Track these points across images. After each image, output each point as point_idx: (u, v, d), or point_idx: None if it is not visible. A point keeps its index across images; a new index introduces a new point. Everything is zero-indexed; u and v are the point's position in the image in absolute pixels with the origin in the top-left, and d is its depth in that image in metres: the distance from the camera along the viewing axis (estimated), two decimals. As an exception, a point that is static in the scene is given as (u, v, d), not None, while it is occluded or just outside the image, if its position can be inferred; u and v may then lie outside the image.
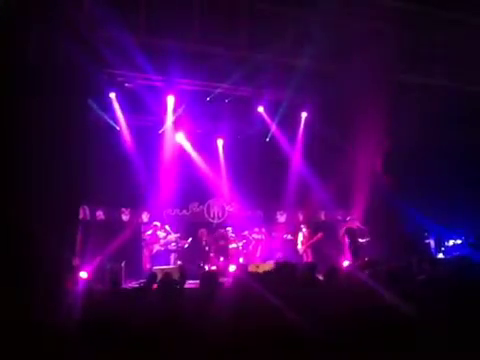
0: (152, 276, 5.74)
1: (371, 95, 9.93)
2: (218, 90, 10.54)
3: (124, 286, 8.35)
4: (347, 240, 10.71)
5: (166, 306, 3.66)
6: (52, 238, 6.38)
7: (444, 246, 11.31)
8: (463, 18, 9.14)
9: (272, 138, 12.28)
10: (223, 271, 10.35)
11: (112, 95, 10.52)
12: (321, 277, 4.92)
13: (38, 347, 3.11)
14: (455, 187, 10.86)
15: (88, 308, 4.06)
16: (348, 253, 10.55)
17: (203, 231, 11.30)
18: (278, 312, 3.29)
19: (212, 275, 4.70)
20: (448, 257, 10.48)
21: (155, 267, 10.21)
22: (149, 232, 11.01)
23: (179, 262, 10.61)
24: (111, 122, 10.91)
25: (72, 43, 7.58)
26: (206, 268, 10.62)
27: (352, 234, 10.62)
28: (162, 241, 10.97)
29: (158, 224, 11.10)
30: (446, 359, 2.89)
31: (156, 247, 10.86)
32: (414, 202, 10.31)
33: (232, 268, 10.45)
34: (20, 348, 3.06)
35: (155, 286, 4.84)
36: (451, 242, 11.27)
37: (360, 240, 10.58)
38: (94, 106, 9.96)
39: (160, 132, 11.49)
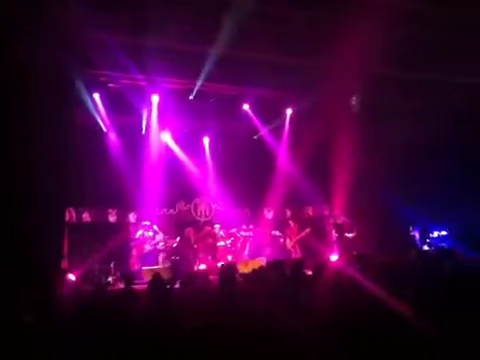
0: (128, 278, 5.74)
1: (356, 90, 10.03)
2: (202, 88, 10.52)
3: (113, 288, 8.31)
4: (335, 234, 10.81)
5: (158, 306, 3.66)
6: (39, 241, 6.33)
7: (429, 238, 11.45)
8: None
9: (258, 135, 12.32)
10: (212, 269, 10.38)
11: (96, 95, 10.42)
12: (309, 273, 4.96)
13: (27, 348, 3.11)
14: (440, 178, 10.98)
15: (77, 310, 4.05)
16: (336, 248, 10.65)
17: (190, 230, 11.27)
18: (270, 311, 3.31)
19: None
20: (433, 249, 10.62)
21: (144, 267, 10.20)
22: (140, 232, 10.97)
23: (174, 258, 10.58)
24: (96, 122, 10.80)
25: (56, 43, 7.50)
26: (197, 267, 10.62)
27: (339, 229, 10.70)
28: (152, 241, 10.95)
29: (148, 223, 11.07)
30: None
31: (146, 247, 10.84)
32: (399, 194, 10.40)
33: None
34: (10, 348, 3.05)
35: (146, 287, 4.84)
36: (436, 234, 11.41)
37: (347, 234, 10.68)
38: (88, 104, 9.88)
39: (143, 132, 11.41)
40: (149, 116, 11.22)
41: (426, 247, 11.22)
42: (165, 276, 6.08)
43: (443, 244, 10.59)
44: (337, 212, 11.23)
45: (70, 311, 4.17)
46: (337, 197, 11.08)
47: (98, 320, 3.43)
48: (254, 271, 4.70)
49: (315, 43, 8.64)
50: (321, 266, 4.39)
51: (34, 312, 3.88)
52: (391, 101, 9.71)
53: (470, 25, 8.61)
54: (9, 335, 3.25)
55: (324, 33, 8.43)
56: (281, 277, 4.54)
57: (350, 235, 10.73)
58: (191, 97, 10.69)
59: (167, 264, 10.60)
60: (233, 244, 11.82)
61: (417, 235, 11.60)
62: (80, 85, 9.20)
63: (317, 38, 8.54)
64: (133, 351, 2.97)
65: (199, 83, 10.24)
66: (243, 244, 11.94)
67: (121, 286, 7.81)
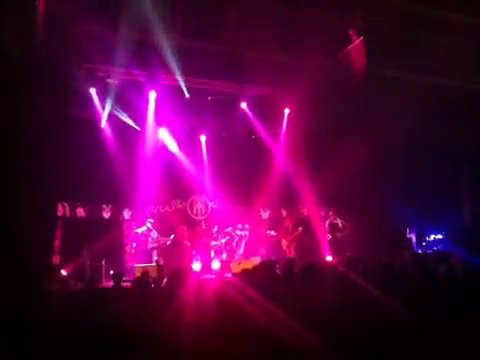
0: (117, 276, 5.66)
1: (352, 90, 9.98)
2: (200, 86, 10.44)
3: (104, 284, 8.25)
4: (329, 235, 10.77)
5: (140, 305, 3.61)
6: (29, 236, 6.27)
7: (425, 241, 11.40)
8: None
9: (255, 134, 12.24)
10: (206, 268, 10.34)
11: (92, 91, 10.33)
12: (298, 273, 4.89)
13: (15, 345, 3.05)
14: (437, 182, 10.95)
15: (66, 307, 3.99)
16: (330, 248, 10.60)
17: (183, 228, 11.19)
18: (261, 311, 3.26)
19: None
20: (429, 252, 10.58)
21: (137, 265, 10.14)
22: (143, 228, 10.92)
23: (155, 259, 10.59)
24: (92, 118, 10.70)
25: (51, 38, 7.45)
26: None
27: (333, 229, 10.67)
28: (150, 238, 10.95)
29: (152, 221, 11.05)
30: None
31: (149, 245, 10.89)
32: (396, 197, 10.35)
33: (216, 265, 10.43)
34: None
35: (129, 285, 4.78)
36: (432, 237, 11.37)
37: (340, 234, 10.64)
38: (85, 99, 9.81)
39: (138, 129, 11.31)
40: (143, 113, 11.13)
41: (420, 250, 11.19)
42: (154, 274, 6.03)
43: (439, 247, 10.56)
44: (332, 213, 11.19)
45: (59, 308, 4.11)
46: (332, 197, 11.03)
47: (86, 319, 3.37)
48: (243, 271, 4.64)
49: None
50: (308, 266, 4.33)
51: (16, 310, 3.82)
52: (387, 101, 9.66)
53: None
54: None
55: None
56: (271, 277, 4.49)
57: (343, 235, 10.69)
58: (187, 95, 10.60)
59: (161, 262, 10.55)
60: (228, 243, 11.77)
61: (413, 238, 11.55)
62: (76, 80, 9.12)
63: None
64: (118, 351, 2.92)
65: (199, 81, 10.17)
66: (238, 243, 11.89)
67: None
